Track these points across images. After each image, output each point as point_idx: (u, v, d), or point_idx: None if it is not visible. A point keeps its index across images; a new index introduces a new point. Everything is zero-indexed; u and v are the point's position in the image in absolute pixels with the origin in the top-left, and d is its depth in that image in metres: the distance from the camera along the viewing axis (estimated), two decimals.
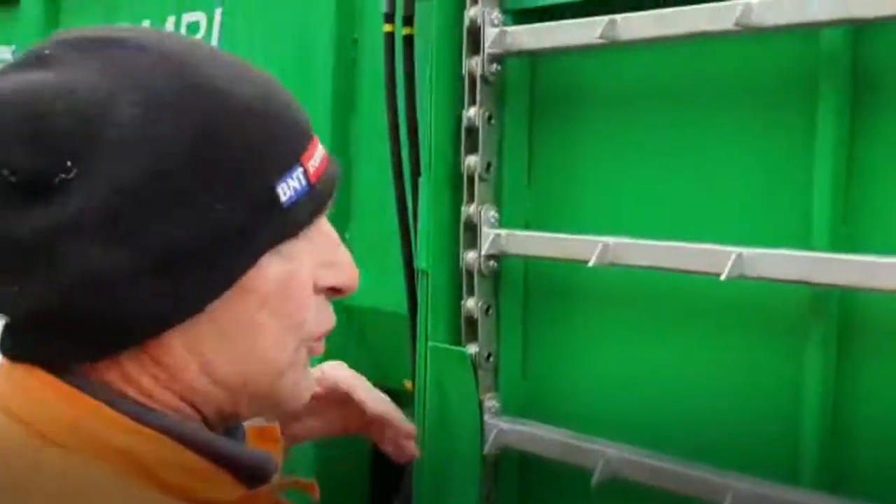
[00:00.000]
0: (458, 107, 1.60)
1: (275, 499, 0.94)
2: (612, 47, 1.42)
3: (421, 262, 1.68)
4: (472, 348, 1.61)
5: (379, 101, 1.84)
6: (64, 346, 0.82)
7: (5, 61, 3.18)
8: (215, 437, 0.88)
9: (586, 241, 1.44)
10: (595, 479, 1.42)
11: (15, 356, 0.85)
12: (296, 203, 0.84)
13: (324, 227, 0.89)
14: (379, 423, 1.36)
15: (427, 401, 1.65)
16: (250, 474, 0.88)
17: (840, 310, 1.28)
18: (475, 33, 1.57)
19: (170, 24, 2.52)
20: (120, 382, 0.84)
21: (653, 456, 1.40)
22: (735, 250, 1.26)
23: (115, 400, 0.83)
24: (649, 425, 1.47)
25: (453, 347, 1.63)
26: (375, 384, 1.39)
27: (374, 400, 1.34)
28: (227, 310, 0.83)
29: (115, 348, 0.83)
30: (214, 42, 2.36)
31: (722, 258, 1.27)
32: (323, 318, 0.90)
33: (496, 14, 1.56)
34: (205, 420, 0.88)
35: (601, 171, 1.54)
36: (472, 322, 1.62)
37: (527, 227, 1.61)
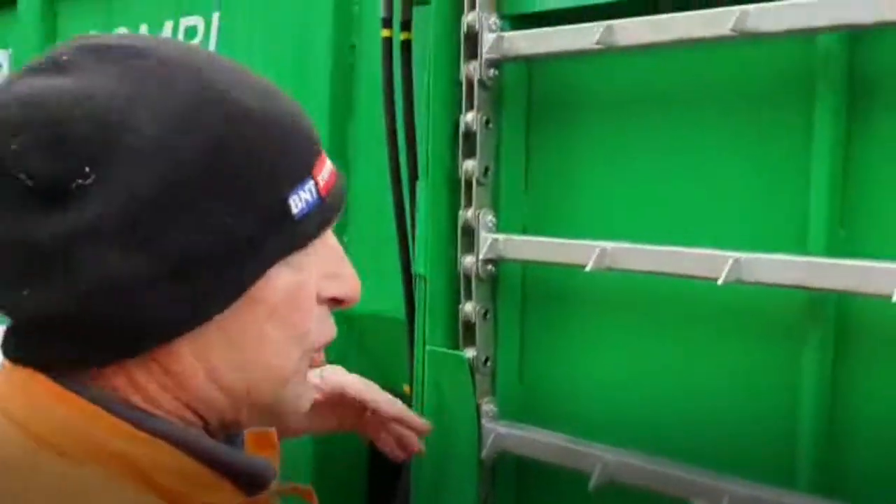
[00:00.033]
0: (456, 111, 1.61)
1: None
2: (608, 53, 1.42)
3: (419, 267, 1.69)
4: (470, 352, 1.62)
5: (377, 105, 1.85)
6: (72, 350, 0.82)
7: (2, 65, 3.19)
8: (215, 444, 0.88)
9: (584, 245, 1.44)
10: (592, 483, 1.42)
11: (18, 359, 0.85)
12: (307, 215, 0.85)
13: (329, 239, 0.90)
14: (377, 422, 1.42)
15: (425, 405, 1.65)
16: (249, 481, 0.88)
17: (836, 314, 1.28)
18: (473, 38, 1.57)
19: (167, 29, 2.52)
20: (126, 388, 0.85)
21: (650, 460, 1.41)
22: (732, 255, 1.27)
23: (114, 405, 0.83)
24: (646, 429, 1.47)
25: (451, 351, 1.63)
26: None
27: (387, 402, 1.41)
28: (236, 318, 0.84)
29: (125, 354, 0.83)
30: (212, 46, 2.37)
31: (719, 263, 1.28)
32: (325, 328, 0.91)
33: (494, 19, 1.56)
34: (206, 427, 0.89)
35: (598, 176, 1.54)
36: (469, 326, 1.62)
37: (524, 231, 1.62)
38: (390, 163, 1.82)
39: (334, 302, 0.91)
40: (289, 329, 0.87)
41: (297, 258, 0.86)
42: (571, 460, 1.48)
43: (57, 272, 0.79)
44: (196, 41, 2.41)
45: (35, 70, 0.83)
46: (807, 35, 1.26)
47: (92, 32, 2.74)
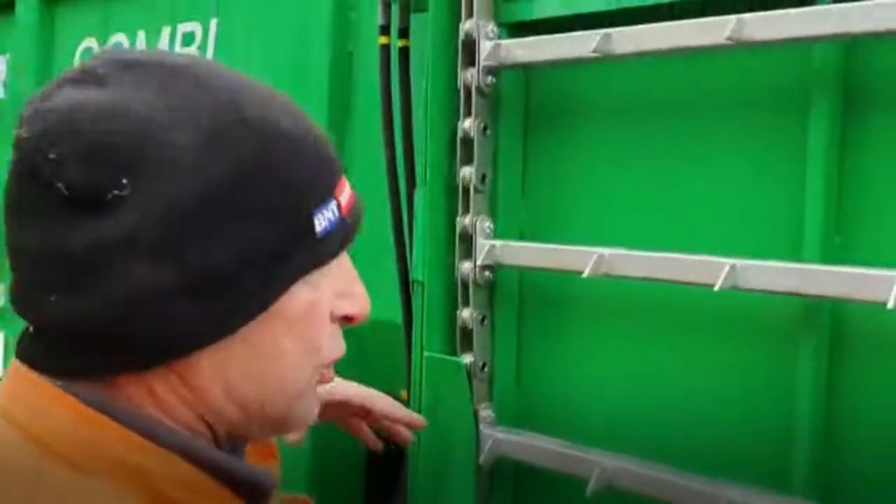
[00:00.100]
0: (454, 119, 1.62)
1: None
2: (605, 61, 1.43)
3: (416, 273, 1.69)
4: (467, 358, 1.62)
5: (375, 112, 1.85)
6: (93, 358, 0.83)
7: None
8: (219, 453, 0.89)
9: (581, 251, 1.45)
10: (590, 489, 1.43)
11: (33, 363, 0.85)
12: (329, 233, 0.87)
13: (344, 259, 0.92)
14: (359, 419, 1.54)
15: (422, 410, 1.65)
16: (253, 491, 0.89)
17: (831, 321, 1.29)
18: (470, 46, 1.58)
19: (165, 35, 2.52)
20: (141, 397, 0.85)
21: (647, 465, 1.41)
22: (728, 262, 1.28)
23: (124, 414, 0.84)
24: (644, 435, 1.48)
25: (448, 357, 1.64)
26: None
27: (393, 406, 1.54)
28: (255, 333, 0.85)
29: (147, 364, 0.84)
30: (210, 53, 2.37)
31: (715, 269, 1.28)
32: (336, 345, 0.93)
33: (491, 27, 1.57)
34: (215, 438, 0.89)
35: (595, 183, 1.55)
36: (467, 332, 1.63)
37: (521, 237, 1.62)
38: (388, 169, 1.83)
39: (345, 320, 0.93)
40: (304, 344, 0.89)
41: (315, 276, 0.88)
42: (569, 466, 1.49)
43: (87, 281, 0.80)
44: (194, 48, 2.41)
45: (73, 81, 0.84)
46: (802, 44, 1.27)
47: (89, 38, 2.75)
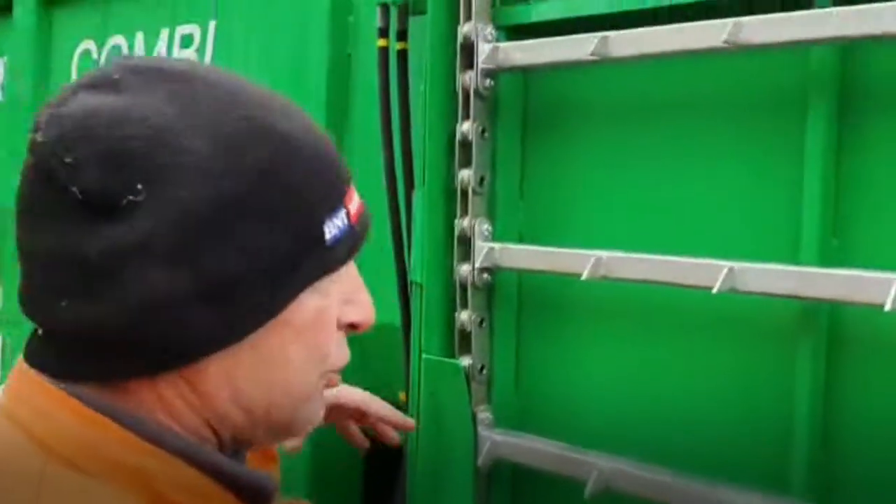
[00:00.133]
0: (452, 121, 1.62)
1: None
2: (603, 63, 1.43)
3: (415, 275, 1.69)
4: (466, 361, 1.62)
5: (373, 115, 1.85)
6: (103, 362, 0.84)
7: None
8: (222, 458, 0.89)
9: (579, 254, 1.45)
10: (588, 491, 1.43)
11: (41, 367, 0.86)
12: (338, 241, 0.88)
13: (351, 267, 0.93)
14: (353, 421, 1.57)
15: (420, 413, 1.66)
16: (254, 496, 0.90)
17: (829, 323, 1.29)
18: (469, 49, 1.58)
19: (163, 37, 2.52)
20: (149, 402, 0.86)
21: (645, 468, 1.42)
22: (726, 264, 1.28)
23: (128, 419, 0.84)
24: (642, 437, 1.48)
25: (447, 360, 1.64)
26: None
27: (386, 409, 1.56)
28: (264, 339, 0.86)
29: (157, 369, 0.84)
30: (208, 55, 2.37)
31: (713, 272, 1.29)
32: (341, 352, 0.94)
33: (490, 30, 1.57)
34: (219, 443, 0.90)
35: (593, 185, 1.55)
36: (465, 335, 1.63)
37: (520, 240, 1.63)
38: (386, 172, 1.83)
39: (351, 327, 0.94)
40: (312, 351, 0.89)
41: (324, 284, 0.88)
42: (567, 468, 1.49)
43: (101, 286, 0.80)
44: (192, 50, 2.41)
45: (88, 87, 0.84)
46: (799, 47, 1.28)
47: (87, 41, 2.75)
